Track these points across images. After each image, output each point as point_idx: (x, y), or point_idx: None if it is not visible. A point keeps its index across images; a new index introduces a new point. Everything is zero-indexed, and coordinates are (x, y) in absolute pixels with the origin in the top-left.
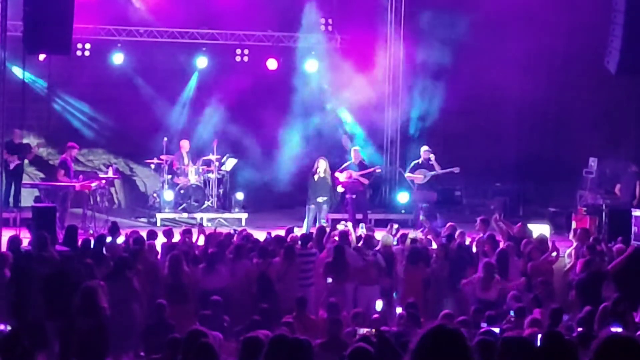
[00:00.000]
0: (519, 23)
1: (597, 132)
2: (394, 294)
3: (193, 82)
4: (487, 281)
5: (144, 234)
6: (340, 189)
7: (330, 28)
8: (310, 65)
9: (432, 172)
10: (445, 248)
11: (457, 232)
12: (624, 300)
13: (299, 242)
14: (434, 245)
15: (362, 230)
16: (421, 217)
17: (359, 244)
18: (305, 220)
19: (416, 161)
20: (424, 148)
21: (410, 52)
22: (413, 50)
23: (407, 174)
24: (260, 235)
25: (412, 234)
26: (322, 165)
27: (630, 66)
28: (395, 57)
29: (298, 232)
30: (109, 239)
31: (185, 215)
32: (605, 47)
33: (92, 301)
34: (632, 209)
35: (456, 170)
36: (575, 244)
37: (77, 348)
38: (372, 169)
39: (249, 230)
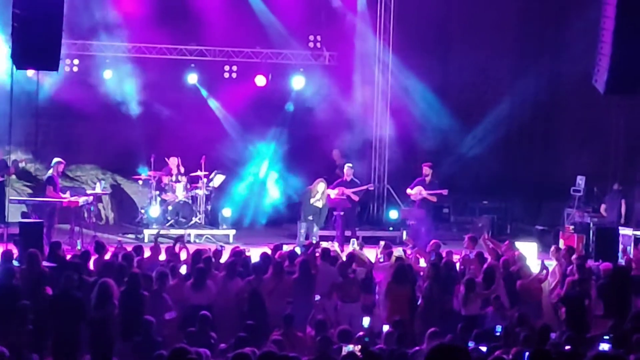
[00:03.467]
0: (507, 40)
1: (585, 151)
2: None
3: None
4: (467, 297)
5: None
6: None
7: (318, 45)
8: (298, 82)
9: (427, 191)
10: (436, 267)
11: (445, 251)
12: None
13: (287, 259)
14: (422, 264)
15: (353, 246)
16: (404, 237)
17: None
18: (298, 237)
19: (419, 178)
20: (425, 165)
21: (398, 69)
22: (401, 66)
23: (408, 190)
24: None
25: (397, 251)
26: (322, 189)
27: (619, 85)
28: (383, 74)
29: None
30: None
31: (173, 231)
32: (594, 65)
33: (106, 295)
34: (620, 227)
35: (444, 192)
36: (555, 262)
37: (88, 338)
38: (364, 187)
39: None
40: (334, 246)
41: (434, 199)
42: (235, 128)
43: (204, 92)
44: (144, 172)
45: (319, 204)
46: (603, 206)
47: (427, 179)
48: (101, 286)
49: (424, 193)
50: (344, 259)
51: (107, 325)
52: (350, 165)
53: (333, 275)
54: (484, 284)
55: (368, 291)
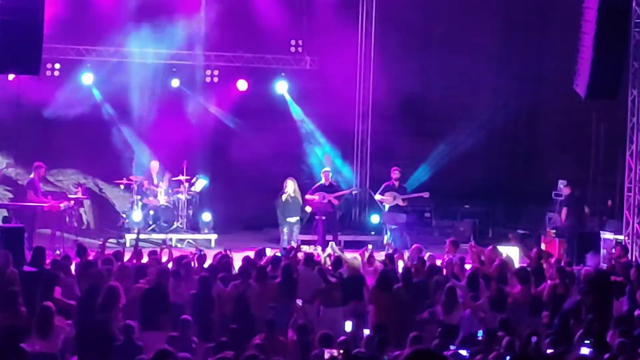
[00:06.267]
0: (490, 46)
1: (567, 155)
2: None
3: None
4: (449, 305)
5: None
6: (308, 209)
7: (300, 49)
8: (280, 86)
9: (403, 196)
10: (409, 272)
11: (427, 255)
12: (597, 321)
13: (270, 264)
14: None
15: (330, 249)
16: (385, 240)
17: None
18: (281, 241)
19: (387, 183)
20: (394, 168)
21: (380, 74)
22: (383, 71)
23: (377, 196)
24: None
25: (379, 256)
26: (290, 186)
27: (599, 90)
28: (365, 79)
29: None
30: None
31: (154, 236)
32: (575, 70)
33: (114, 300)
34: (601, 232)
35: (425, 195)
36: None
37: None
38: (347, 191)
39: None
40: (317, 250)
41: (405, 203)
42: (217, 132)
43: (187, 94)
44: (126, 177)
45: (299, 200)
46: (565, 210)
47: (397, 183)
48: (109, 290)
49: (400, 201)
50: (328, 264)
51: (108, 328)
52: (329, 169)
53: (315, 280)
54: (467, 288)
55: (359, 298)
